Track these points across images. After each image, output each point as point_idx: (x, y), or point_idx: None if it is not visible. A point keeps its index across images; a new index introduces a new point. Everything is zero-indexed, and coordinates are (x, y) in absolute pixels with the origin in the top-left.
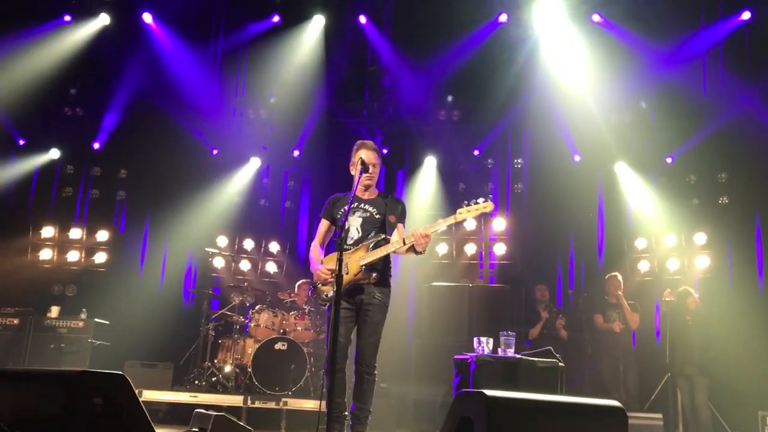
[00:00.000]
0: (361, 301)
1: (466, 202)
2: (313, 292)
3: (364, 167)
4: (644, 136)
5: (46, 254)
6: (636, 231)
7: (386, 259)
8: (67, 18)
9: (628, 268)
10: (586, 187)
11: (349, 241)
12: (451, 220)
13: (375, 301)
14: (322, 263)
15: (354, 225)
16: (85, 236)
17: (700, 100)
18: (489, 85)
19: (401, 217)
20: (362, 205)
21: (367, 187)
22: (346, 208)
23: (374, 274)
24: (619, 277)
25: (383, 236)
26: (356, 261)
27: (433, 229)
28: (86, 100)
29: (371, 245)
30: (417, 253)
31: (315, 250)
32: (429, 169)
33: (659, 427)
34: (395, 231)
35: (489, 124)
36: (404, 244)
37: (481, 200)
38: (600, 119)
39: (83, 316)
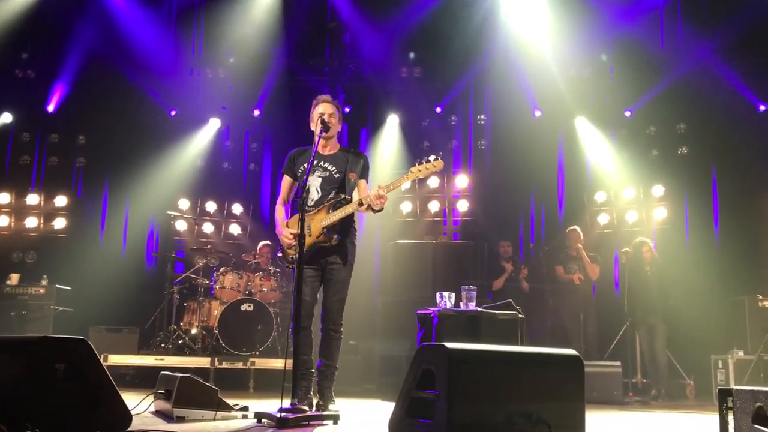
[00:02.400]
0: (326, 260)
1: (418, 160)
2: (279, 255)
3: (324, 126)
4: (603, 89)
5: (2, 221)
6: (596, 185)
7: (350, 217)
8: None
9: (588, 221)
10: (547, 142)
11: (310, 203)
12: (403, 180)
13: (340, 260)
14: (287, 226)
15: (314, 185)
16: (42, 202)
17: (657, 53)
18: (450, 41)
19: (363, 173)
20: (322, 162)
21: (327, 140)
22: (306, 167)
23: (336, 236)
24: (579, 230)
25: (343, 196)
26: (318, 223)
27: (386, 190)
28: (38, 62)
29: (331, 207)
30: (375, 211)
31: (280, 211)
32: (392, 127)
33: (618, 374)
34: (356, 190)
35: (451, 80)
36: (361, 205)
37: (432, 158)
38: (560, 74)
39: (44, 282)
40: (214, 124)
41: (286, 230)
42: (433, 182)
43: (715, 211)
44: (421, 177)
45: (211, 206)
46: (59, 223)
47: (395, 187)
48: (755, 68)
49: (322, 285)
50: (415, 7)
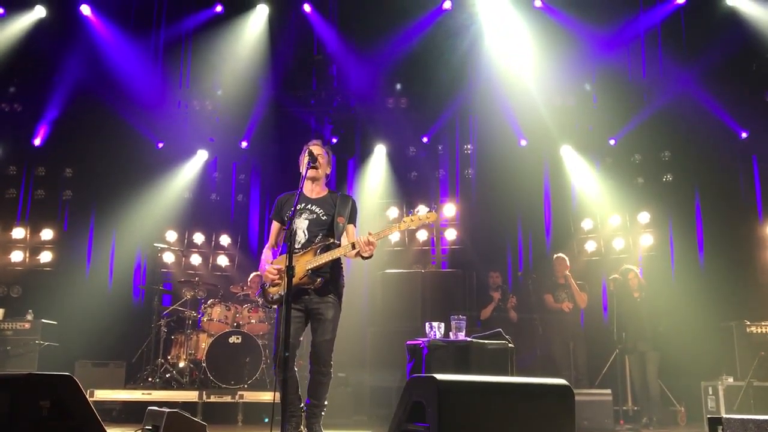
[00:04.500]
0: (311, 301)
1: (411, 211)
2: (260, 293)
3: (312, 158)
4: (588, 118)
5: None
6: (582, 212)
7: (337, 263)
8: (0, 11)
9: (575, 248)
10: (532, 170)
11: (297, 245)
12: (394, 229)
13: (328, 299)
14: (271, 264)
15: (300, 228)
16: (28, 235)
17: (640, 82)
18: (435, 71)
19: (351, 218)
20: (309, 205)
21: (313, 180)
22: (292, 208)
23: (319, 279)
24: (565, 257)
25: (331, 240)
26: (303, 265)
27: (376, 238)
28: (25, 96)
29: (319, 250)
30: (363, 258)
31: (266, 253)
32: (379, 157)
33: (608, 402)
34: (344, 234)
35: (437, 110)
36: (352, 249)
37: (426, 210)
38: (544, 103)
39: (29, 317)
40: (201, 156)
41: (270, 266)
42: (421, 212)
43: (699, 237)
44: (413, 228)
45: (198, 238)
46: (45, 256)
47: (385, 236)
48: (736, 96)
49: (306, 325)
50: (400, 39)
